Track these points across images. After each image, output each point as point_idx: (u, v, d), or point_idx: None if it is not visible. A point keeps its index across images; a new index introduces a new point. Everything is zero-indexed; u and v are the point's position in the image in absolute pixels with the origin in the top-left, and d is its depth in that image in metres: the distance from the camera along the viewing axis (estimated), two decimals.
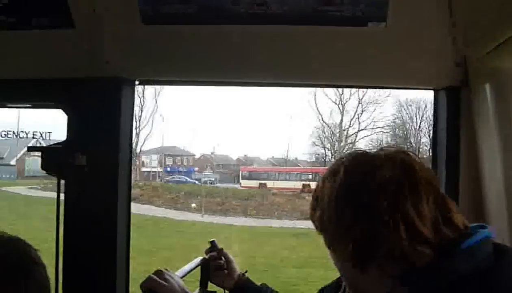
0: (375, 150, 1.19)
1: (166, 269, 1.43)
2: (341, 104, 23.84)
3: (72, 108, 1.87)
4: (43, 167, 1.84)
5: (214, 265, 1.74)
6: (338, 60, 1.77)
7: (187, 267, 1.64)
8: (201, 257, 1.74)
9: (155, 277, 1.38)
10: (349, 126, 24.56)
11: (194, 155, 29.05)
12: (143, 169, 30.60)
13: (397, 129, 24.71)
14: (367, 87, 2.51)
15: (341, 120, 24.04)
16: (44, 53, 1.86)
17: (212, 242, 1.77)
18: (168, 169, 30.83)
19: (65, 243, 1.83)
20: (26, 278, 0.99)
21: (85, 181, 1.81)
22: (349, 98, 23.86)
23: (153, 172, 30.93)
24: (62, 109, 1.90)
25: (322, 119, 24.63)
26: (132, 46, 1.83)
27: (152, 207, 18.47)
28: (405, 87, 1.94)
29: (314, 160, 27.60)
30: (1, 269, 0.96)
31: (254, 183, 24.60)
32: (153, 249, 12.86)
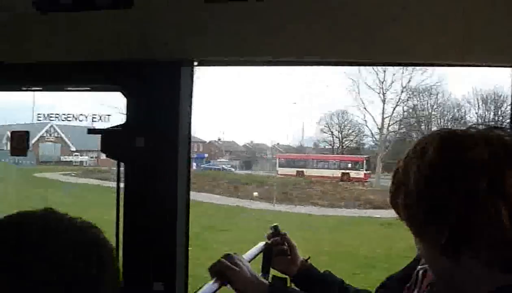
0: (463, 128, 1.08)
1: (235, 253, 1.38)
2: (382, 93, 23.36)
3: (130, 91, 1.84)
4: (102, 150, 1.83)
5: (277, 251, 1.68)
6: (411, 36, 1.65)
7: (250, 253, 1.60)
8: (264, 242, 1.69)
9: (225, 260, 1.33)
10: (391, 115, 24.07)
11: (205, 141, 28.67)
12: None
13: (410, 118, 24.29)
14: (442, 66, 2.34)
15: (383, 108, 23.55)
16: (103, 35, 1.83)
17: (274, 227, 1.71)
18: None
19: (125, 225, 1.81)
20: (100, 264, 0.95)
21: (144, 163, 1.79)
22: (390, 86, 23.37)
23: None
24: (121, 91, 1.88)
25: (365, 108, 24.18)
26: (192, 26, 1.77)
27: (213, 195, 18.31)
28: (484, 64, 1.79)
29: (321, 146, 27.72)
30: (76, 257, 0.92)
31: (291, 171, 24.47)
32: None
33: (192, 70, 1.87)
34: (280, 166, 25.74)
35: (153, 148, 1.77)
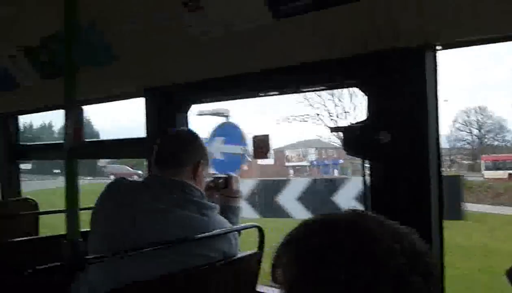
0: None
1: None
2: None
3: (369, 85, 1.76)
4: (345, 147, 1.79)
5: None
6: None
7: None
8: None
9: None
10: None
11: (338, 147, 26.93)
12: (288, 164, 30.58)
13: None
14: None
15: None
16: (337, 32, 1.79)
17: None
18: (315, 162, 30.61)
19: None
20: (428, 278, 0.82)
21: (390, 160, 1.68)
22: None
23: (298, 166, 30.66)
24: (358, 87, 1.81)
25: None
26: (431, 7, 1.61)
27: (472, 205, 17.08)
28: None
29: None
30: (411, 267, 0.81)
31: (499, 174, 21.97)
32: None
33: (436, 56, 1.69)
34: (486, 169, 23.42)
35: (400, 143, 1.65)
